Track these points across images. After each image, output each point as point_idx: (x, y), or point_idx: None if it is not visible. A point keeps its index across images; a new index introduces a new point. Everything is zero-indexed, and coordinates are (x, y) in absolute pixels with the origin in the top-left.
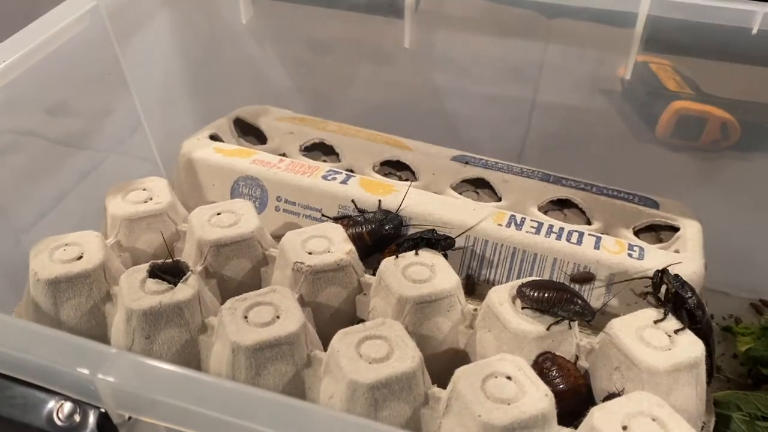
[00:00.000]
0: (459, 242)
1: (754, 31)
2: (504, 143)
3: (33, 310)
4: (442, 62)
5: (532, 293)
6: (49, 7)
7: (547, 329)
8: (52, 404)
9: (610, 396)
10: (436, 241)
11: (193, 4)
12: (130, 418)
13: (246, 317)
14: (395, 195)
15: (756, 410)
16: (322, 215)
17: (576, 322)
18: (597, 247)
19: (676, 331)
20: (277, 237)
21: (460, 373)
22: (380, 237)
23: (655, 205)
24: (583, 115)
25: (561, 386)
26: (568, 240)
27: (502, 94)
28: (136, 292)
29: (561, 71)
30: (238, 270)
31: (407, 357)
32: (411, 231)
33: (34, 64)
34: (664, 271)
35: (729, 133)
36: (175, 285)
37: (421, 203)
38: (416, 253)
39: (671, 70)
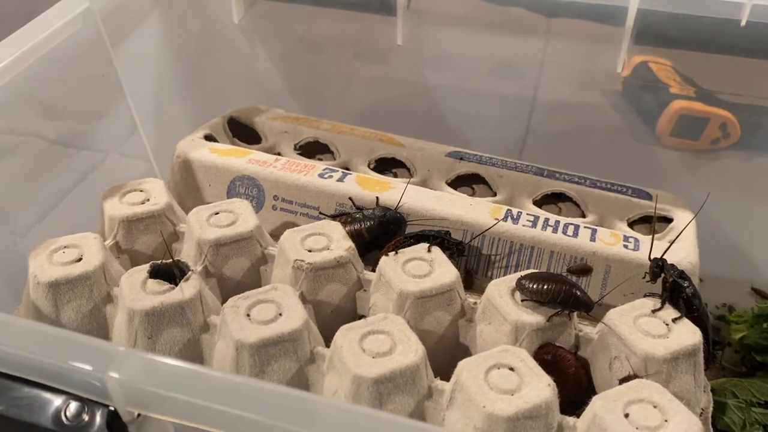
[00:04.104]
0: (456, 235)
1: (743, 23)
2: (503, 143)
3: (33, 313)
4: (436, 59)
5: (531, 285)
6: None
7: (547, 321)
8: (58, 404)
9: (626, 379)
10: (449, 244)
11: (185, 4)
12: (139, 415)
13: (248, 315)
14: (392, 192)
15: (751, 396)
16: (320, 213)
17: (575, 313)
18: (593, 239)
19: (674, 320)
20: (275, 236)
21: (464, 366)
22: (379, 234)
23: (648, 196)
24: (582, 115)
25: (562, 376)
26: (565, 233)
27: (498, 91)
28: (137, 292)
29: (559, 69)
30: (238, 269)
31: (410, 351)
32: (410, 228)
33: (27, 67)
34: (662, 261)
35: (729, 133)
36: (176, 285)
37: (418, 199)
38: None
39: (671, 70)
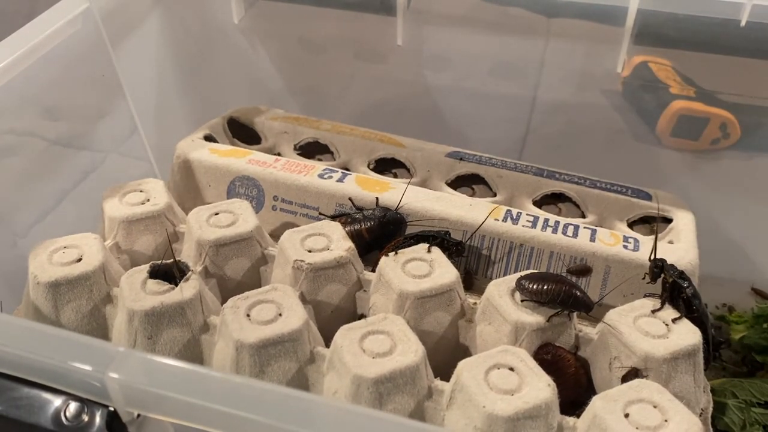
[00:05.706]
0: (455, 236)
1: (743, 23)
2: (503, 143)
3: (33, 313)
4: (436, 59)
5: (531, 285)
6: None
7: (547, 321)
8: (58, 404)
9: (628, 374)
10: (449, 244)
11: (185, 4)
12: (139, 415)
13: (248, 315)
14: (392, 192)
15: (751, 397)
16: (320, 213)
17: (575, 313)
18: (593, 239)
19: (674, 320)
20: (275, 236)
21: (464, 366)
22: (379, 234)
23: (648, 197)
24: (582, 115)
25: (562, 376)
26: (564, 233)
27: (498, 91)
28: (137, 292)
29: (559, 69)
30: (238, 269)
31: (410, 351)
32: (410, 228)
33: (27, 67)
34: (662, 262)
35: (729, 133)
36: (176, 285)
37: (418, 200)
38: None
39: (671, 70)
